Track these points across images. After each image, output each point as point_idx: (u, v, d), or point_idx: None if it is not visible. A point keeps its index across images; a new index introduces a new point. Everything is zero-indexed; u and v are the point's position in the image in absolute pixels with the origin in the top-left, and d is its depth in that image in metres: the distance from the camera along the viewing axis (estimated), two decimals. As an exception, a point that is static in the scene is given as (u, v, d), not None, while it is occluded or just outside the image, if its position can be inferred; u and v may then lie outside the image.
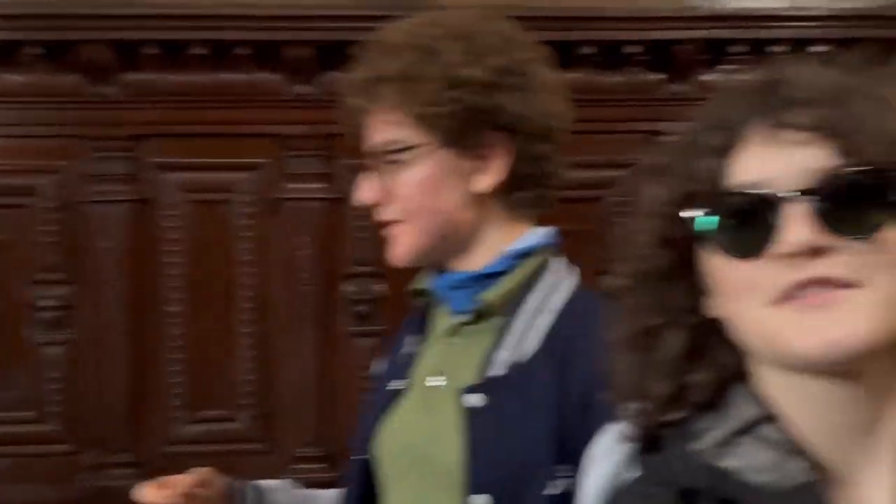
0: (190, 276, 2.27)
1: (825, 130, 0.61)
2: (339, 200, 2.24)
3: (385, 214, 1.09)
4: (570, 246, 2.26)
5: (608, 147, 2.33)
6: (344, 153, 2.27)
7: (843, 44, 2.22)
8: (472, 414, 1.02)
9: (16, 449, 2.26)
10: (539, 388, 1.01)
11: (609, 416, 0.94)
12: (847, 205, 0.60)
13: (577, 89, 2.23)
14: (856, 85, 0.64)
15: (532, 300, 1.07)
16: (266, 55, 2.21)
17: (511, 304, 1.07)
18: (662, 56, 2.32)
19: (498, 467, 1.00)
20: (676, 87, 2.34)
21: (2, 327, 2.25)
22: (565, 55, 2.25)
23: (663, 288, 0.67)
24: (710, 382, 0.67)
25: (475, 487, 1.00)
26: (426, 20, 1.09)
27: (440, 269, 1.13)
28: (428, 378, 1.10)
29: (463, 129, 1.04)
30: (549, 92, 1.09)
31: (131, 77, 2.22)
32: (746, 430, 0.63)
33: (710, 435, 0.64)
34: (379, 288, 2.27)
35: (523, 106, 1.05)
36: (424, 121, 1.03)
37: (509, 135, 1.06)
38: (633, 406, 0.69)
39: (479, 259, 1.10)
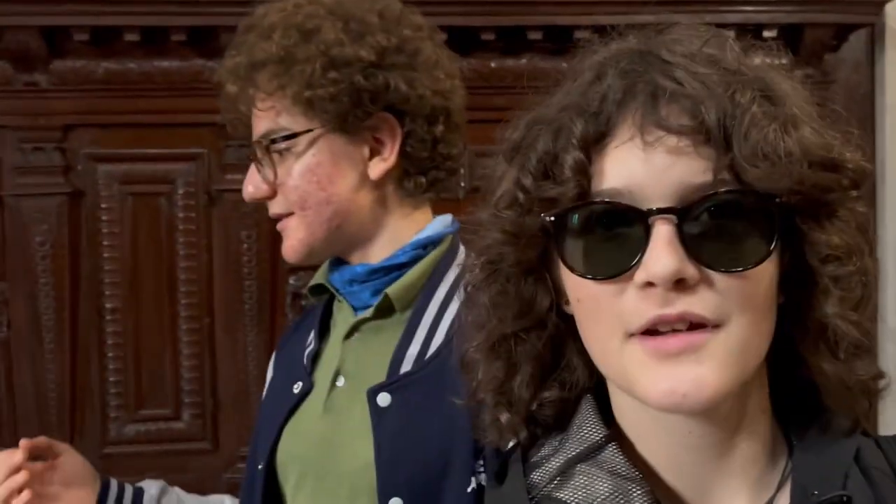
0: (128, 271, 2.19)
1: (707, 137, 0.53)
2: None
3: (276, 208, 1.04)
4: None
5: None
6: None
7: (791, 29, 2.21)
8: (381, 413, 0.98)
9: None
10: (451, 381, 0.97)
11: None
12: (721, 232, 0.53)
13: (528, 75, 2.23)
14: (751, 84, 0.55)
15: (440, 291, 1.03)
16: (202, 41, 2.13)
17: (419, 297, 1.02)
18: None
19: (411, 467, 0.96)
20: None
21: (-70, 326, 2.16)
22: (517, 41, 2.21)
23: (518, 285, 0.61)
24: (561, 399, 0.62)
25: (388, 490, 0.96)
26: (304, 0, 1.03)
27: (337, 263, 1.08)
28: (332, 379, 1.05)
29: (348, 112, 0.99)
30: (438, 71, 1.04)
31: (61, 64, 2.13)
32: (588, 454, 0.59)
33: (550, 463, 0.60)
34: (324, 281, 2.22)
35: (410, 86, 1.00)
36: (306, 104, 0.98)
37: (399, 116, 1.01)
38: (491, 424, 0.65)
39: (379, 251, 1.05)
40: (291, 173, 1.00)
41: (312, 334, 1.11)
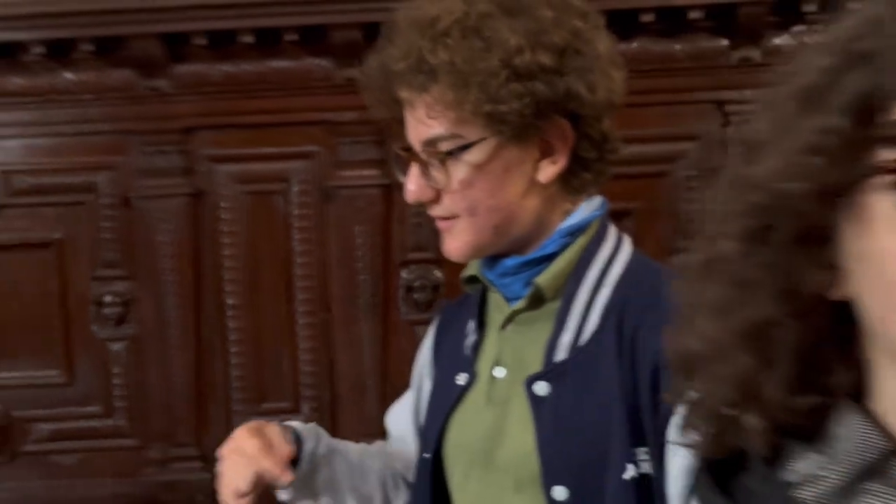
0: (247, 268, 2.25)
1: None
2: (394, 186, 2.19)
3: (440, 211, 1.02)
4: (637, 225, 2.21)
5: (672, 119, 2.23)
6: (397, 139, 2.22)
7: None
8: (539, 403, 0.97)
9: (84, 444, 2.29)
10: (606, 367, 0.95)
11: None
12: None
13: (638, 59, 2.17)
14: None
15: (589, 277, 1.00)
16: (314, 40, 2.17)
17: (568, 284, 1.00)
18: (726, 20, 2.19)
19: (572, 456, 0.95)
20: (742, 53, 2.21)
21: (67, 324, 2.28)
22: (627, 23, 2.16)
23: (790, 259, 0.50)
24: (820, 405, 0.52)
25: (551, 479, 0.95)
26: None
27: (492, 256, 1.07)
28: (491, 370, 1.05)
29: (528, 123, 0.95)
30: (609, 66, 1.00)
31: (181, 69, 2.20)
32: (874, 470, 0.49)
33: (825, 480, 0.50)
34: (437, 275, 2.22)
35: (589, 89, 0.96)
36: (485, 118, 0.94)
37: (572, 119, 0.98)
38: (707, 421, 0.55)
39: (535, 243, 1.03)
40: (461, 180, 0.98)
41: (472, 325, 1.10)
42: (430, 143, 0.99)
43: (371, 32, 2.15)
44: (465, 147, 0.97)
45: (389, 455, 1.23)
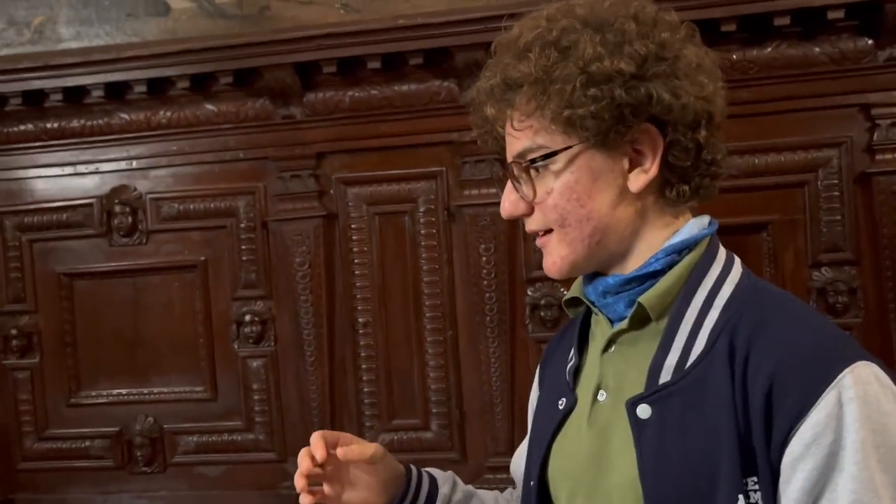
0: (377, 287, 2.31)
1: None
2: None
3: (534, 225, 1.01)
4: (775, 238, 2.10)
5: (813, 126, 2.11)
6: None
7: None
8: (642, 426, 0.93)
9: (227, 456, 2.40)
10: (714, 392, 0.90)
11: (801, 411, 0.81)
12: None
13: (774, 65, 2.08)
14: None
15: (698, 297, 0.96)
16: (438, 62, 2.21)
17: (676, 304, 0.96)
18: (869, 18, 2.06)
19: (676, 481, 0.90)
20: (889, 53, 2.07)
21: (211, 342, 2.41)
22: (760, 28, 2.07)
23: None
24: None
25: None
26: (554, 12, 0.99)
27: (591, 275, 1.05)
28: (594, 393, 1.02)
29: (609, 128, 0.94)
30: (701, 75, 0.97)
31: (312, 97, 2.29)
32: None
33: None
34: (563, 292, 2.19)
35: (673, 94, 0.94)
36: (565, 123, 0.94)
37: (660, 126, 0.95)
38: None
39: (635, 261, 1.00)
40: (550, 191, 0.98)
41: (573, 349, 1.09)
42: (520, 156, 0.99)
43: (493, 52, 2.18)
44: (549, 156, 0.97)
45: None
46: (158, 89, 2.34)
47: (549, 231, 1.00)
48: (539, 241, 1.02)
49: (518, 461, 1.23)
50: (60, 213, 2.47)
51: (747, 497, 0.86)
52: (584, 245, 0.99)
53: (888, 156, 2.07)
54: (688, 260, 0.98)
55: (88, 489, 2.50)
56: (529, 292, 2.24)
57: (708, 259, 0.98)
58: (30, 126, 2.44)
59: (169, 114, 2.38)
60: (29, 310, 2.50)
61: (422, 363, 2.30)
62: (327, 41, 2.23)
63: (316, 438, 1.07)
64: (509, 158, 1.01)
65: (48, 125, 2.44)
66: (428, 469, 1.19)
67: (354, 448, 1.08)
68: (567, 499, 1.03)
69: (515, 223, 2.21)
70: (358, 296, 2.32)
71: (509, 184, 1.01)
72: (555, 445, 1.05)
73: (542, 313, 2.22)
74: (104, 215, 2.44)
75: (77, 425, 2.50)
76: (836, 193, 2.09)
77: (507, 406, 2.24)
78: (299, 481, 1.07)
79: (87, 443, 2.50)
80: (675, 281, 0.97)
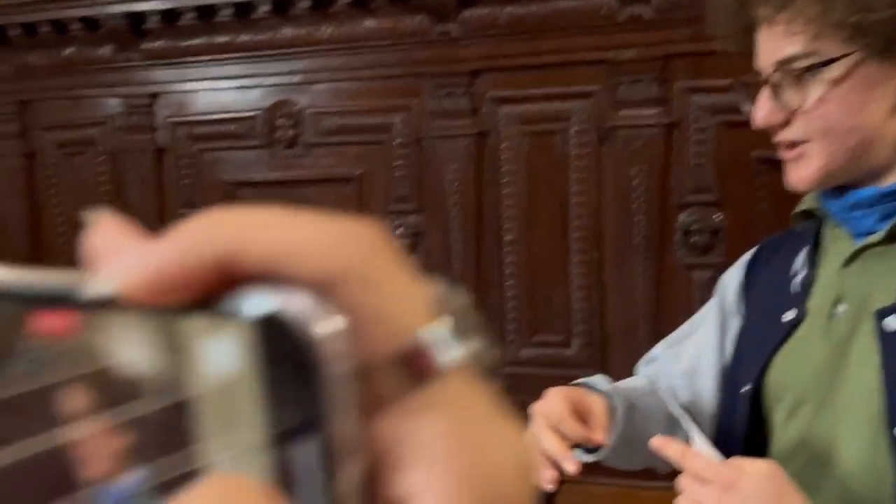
0: (525, 206, 2.34)
1: None
2: (675, 125, 2.15)
3: (789, 134, 0.99)
4: None
5: None
6: (680, 76, 2.16)
7: None
8: (890, 338, 0.92)
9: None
10: None
11: None
12: None
13: None
14: None
15: None
16: (598, -22, 2.16)
17: None
18: None
19: None
20: None
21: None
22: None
23: None
24: None
25: None
26: None
27: (834, 187, 1.02)
28: (832, 306, 1.00)
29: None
30: None
31: (469, 13, 2.30)
32: None
33: None
34: (717, 218, 2.16)
35: None
36: (852, 29, 0.91)
37: None
38: None
39: (892, 176, 0.97)
40: (820, 99, 0.95)
41: (801, 261, 1.08)
42: (786, 62, 0.96)
43: (656, -32, 2.11)
44: (826, 63, 0.93)
45: (659, 396, 1.22)
46: (321, 4, 2.41)
47: (803, 142, 0.98)
48: (793, 153, 1.00)
49: (697, 349, 1.21)
50: (227, 125, 2.61)
51: None
52: (846, 157, 0.97)
53: None
54: None
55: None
56: (682, 217, 2.21)
57: None
58: (202, 40, 2.58)
59: (330, 30, 2.45)
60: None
61: (566, 282, 2.33)
62: (485, -43, 2.22)
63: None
64: (768, 65, 0.98)
65: (218, 39, 2.56)
66: (588, 381, 1.18)
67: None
68: (789, 409, 1.03)
69: (669, 145, 2.18)
70: (505, 214, 2.36)
71: (765, 92, 0.98)
72: (778, 356, 1.04)
73: (693, 239, 2.19)
74: (267, 128, 2.57)
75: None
76: None
77: (651, 329, 2.24)
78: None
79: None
80: None
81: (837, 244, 1.03)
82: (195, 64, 2.61)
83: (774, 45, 0.97)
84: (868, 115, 0.94)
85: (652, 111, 2.19)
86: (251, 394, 0.19)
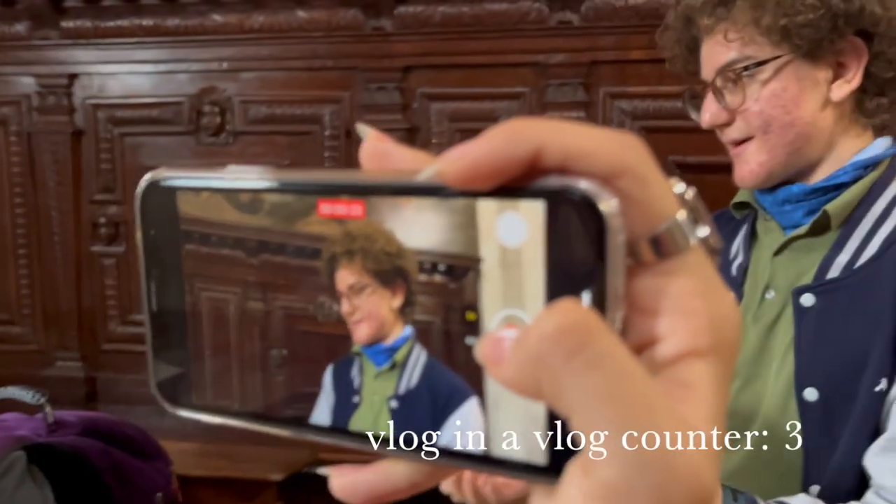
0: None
1: None
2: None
3: (735, 133, 1.07)
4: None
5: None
6: (604, 81, 2.26)
7: None
8: (804, 312, 1.01)
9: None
10: (880, 291, 0.97)
11: None
12: None
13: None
14: None
15: (876, 207, 1.02)
16: (530, -17, 2.23)
17: (854, 213, 1.03)
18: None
19: (827, 362, 0.99)
20: None
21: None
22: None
23: None
24: None
25: (803, 380, 0.99)
26: None
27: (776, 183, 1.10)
28: (762, 292, 1.09)
29: (823, 38, 0.99)
30: None
31: (404, 10, 2.33)
32: None
33: None
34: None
35: (884, 7, 0.98)
36: (780, 33, 1.00)
37: (866, 38, 1.00)
38: None
39: (821, 172, 1.06)
40: (756, 99, 1.04)
41: (738, 248, 1.16)
42: (726, 67, 1.05)
43: (587, -24, 2.20)
44: (760, 64, 1.02)
45: None
46: (252, -7, 2.40)
47: (745, 140, 1.06)
48: (736, 150, 1.08)
49: None
50: (151, 110, 2.57)
51: (892, 382, 0.94)
52: (785, 152, 1.04)
53: None
54: (871, 176, 1.04)
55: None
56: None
57: (889, 176, 1.04)
58: (126, 22, 2.52)
59: (261, 18, 2.44)
60: (117, 200, 2.62)
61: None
62: (420, -45, 2.26)
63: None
64: (711, 72, 1.06)
65: (144, 22, 2.51)
66: None
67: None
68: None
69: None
70: (434, 208, 2.40)
71: (710, 95, 1.06)
72: None
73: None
74: (193, 114, 2.54)
75: (159, 312, 2.64)
76: None
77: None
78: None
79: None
80: (857, 194, 1.03)
81: (770, 235, 1.12)
82: (118, 46, 2.55)
83: (715, 53, 1.06)
84: (802, 111, 1.03)
85: (576, 114, 2.28)
86: (538, 258, 0.23)
